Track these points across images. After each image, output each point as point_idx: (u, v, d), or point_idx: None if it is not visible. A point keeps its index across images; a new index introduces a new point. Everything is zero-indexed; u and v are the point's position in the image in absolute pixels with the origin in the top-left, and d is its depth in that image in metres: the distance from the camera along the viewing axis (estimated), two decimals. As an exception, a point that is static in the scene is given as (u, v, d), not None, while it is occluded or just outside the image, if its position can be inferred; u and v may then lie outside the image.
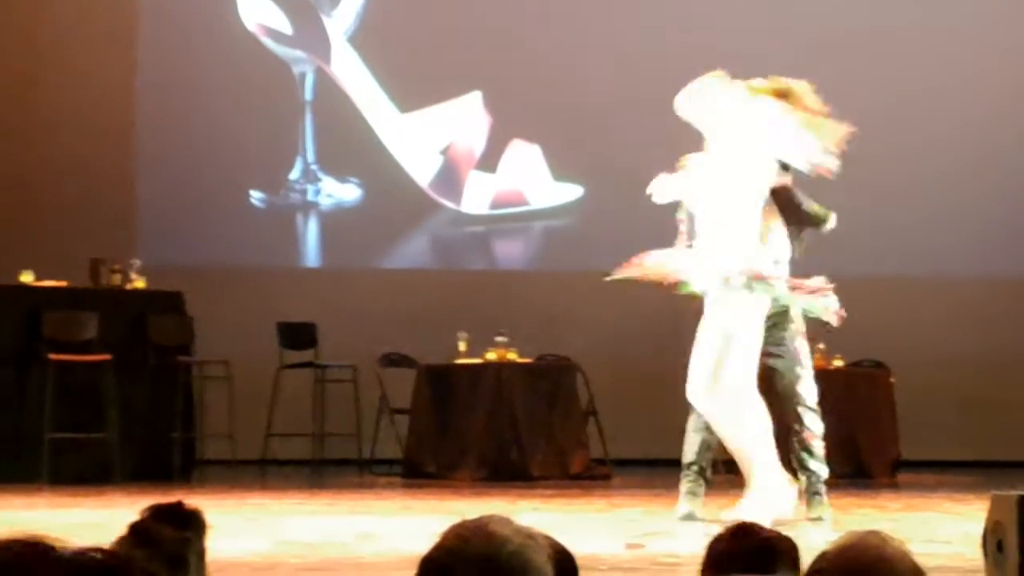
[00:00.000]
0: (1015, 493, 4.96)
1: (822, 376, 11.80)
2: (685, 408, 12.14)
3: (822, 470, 8.13)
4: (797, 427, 8.13)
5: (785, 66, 12.98)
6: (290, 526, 7.84)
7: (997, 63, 13.28)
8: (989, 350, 13.06)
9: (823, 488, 8.14)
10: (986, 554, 5.12)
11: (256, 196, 13.14)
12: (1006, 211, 13.19)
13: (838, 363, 11.94)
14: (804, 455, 8.12)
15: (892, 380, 11.93)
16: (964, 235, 13.19)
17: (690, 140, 13.05)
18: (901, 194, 13.12)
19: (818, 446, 8.14)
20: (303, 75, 13.17)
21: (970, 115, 13.22)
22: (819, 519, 7.93)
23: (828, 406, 11.64)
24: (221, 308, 12.28)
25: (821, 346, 11.90)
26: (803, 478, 8.12)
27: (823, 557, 2.20)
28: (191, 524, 3.25)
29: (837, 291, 8.39)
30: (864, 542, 2.18)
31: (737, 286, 7.77)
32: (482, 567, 2.05)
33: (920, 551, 6.66)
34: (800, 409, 8.11)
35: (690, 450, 8.22)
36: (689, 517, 8.02)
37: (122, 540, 3.12)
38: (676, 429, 12.37)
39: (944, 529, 7.70)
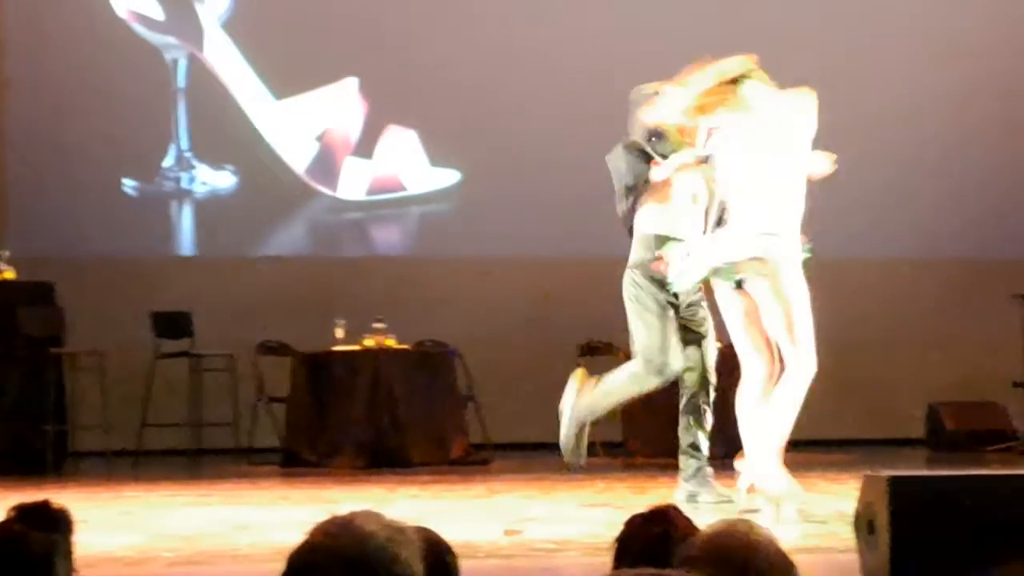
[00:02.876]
0: (886, 474, 5.01)
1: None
2: (562, 390, 12.20)
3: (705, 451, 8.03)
4: (705, 406, 8.00)
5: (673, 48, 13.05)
6: (165, 518, 7.76)
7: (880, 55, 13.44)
8: (862, 330, 13.19)
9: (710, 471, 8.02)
10: (858, 535, 5.17)
11: (129, 184, 12.98)
12: (873, 192, 13.33)
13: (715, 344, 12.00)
14: (701, 435, 8.02)
15: (768, 361, 12.01)
16: (835, 215, 13.32)
17: (565, 123, 13.10)
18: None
19: (708, 428, 8.04)
20: (175, 61, 13.03)
21: (847, 103, 13.34)
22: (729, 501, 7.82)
23: (706, 387, 11.79)
24: (94, 298, 12.12)
25: (698, 328, 12.00)
26: (692, 462, 8.02)
27: (692, 545, 2.20)
28: (58, 524, 3.19)
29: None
30: (732, 529, 2.18)
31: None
32: (348, 563, 2.05)
33: (795, 531, 6.71)
34: (711, 389, 8.02)
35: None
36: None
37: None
38: (553, 412, 12.42)
39: (819, 509, 7.76)
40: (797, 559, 2.50)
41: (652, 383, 7.96)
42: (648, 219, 7.95)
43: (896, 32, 13.50)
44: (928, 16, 13.57)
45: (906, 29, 13.51)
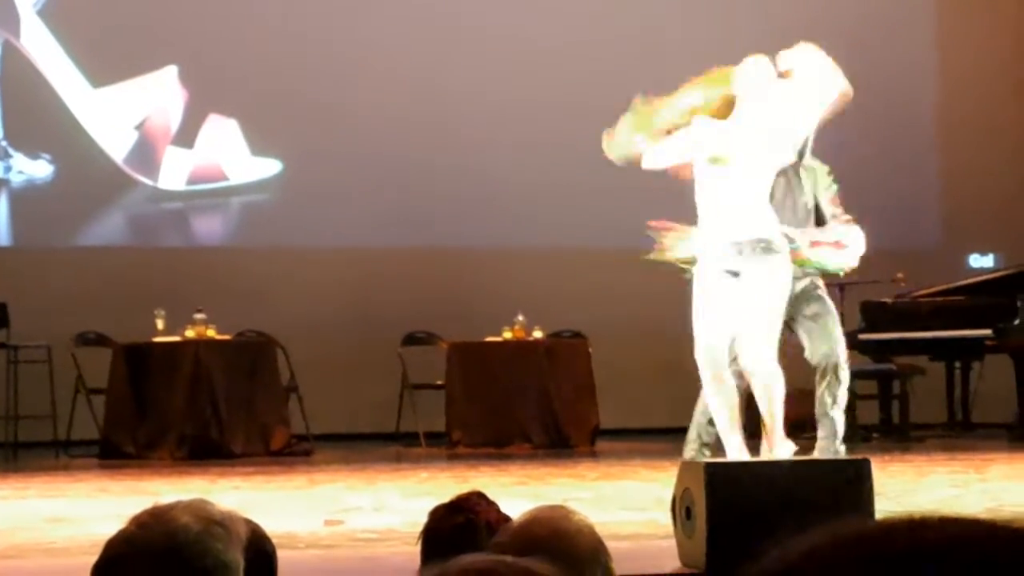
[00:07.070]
0: (702, 460, 5.10)
1: (521, 348, 12.00)
2: (384, 381, 12.22)
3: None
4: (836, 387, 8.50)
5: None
6: (-21, 513, 7.62)
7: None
8: (682, 320, 13.33)
9: None
10: (676, 520, 5.25)
11: (-58, 173, 12.73)
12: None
13: (538, 334, 12.08)
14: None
15: (590, 350, 12.13)
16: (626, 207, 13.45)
17: (385, 113, 13.09)
18: (596, 167, 13.31)
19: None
20: (-10, 48, 12.79)
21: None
22: None
23: (528, 377, 11.86)
24: (-94, 289, 11.85)
25: (520, 317, 12.05)
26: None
27: (504, 531, 2.21)
28: None
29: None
30: (544, 516, 2.20)
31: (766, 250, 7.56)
32: (157, 554, 2.05)
33: (615, 519, 6.79)
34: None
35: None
36: None
37: None
38: (375, 403, 12.45)
39: (639, 496, 7.85)
40: (616, 545, 2.53)
41: None
42: None
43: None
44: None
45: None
